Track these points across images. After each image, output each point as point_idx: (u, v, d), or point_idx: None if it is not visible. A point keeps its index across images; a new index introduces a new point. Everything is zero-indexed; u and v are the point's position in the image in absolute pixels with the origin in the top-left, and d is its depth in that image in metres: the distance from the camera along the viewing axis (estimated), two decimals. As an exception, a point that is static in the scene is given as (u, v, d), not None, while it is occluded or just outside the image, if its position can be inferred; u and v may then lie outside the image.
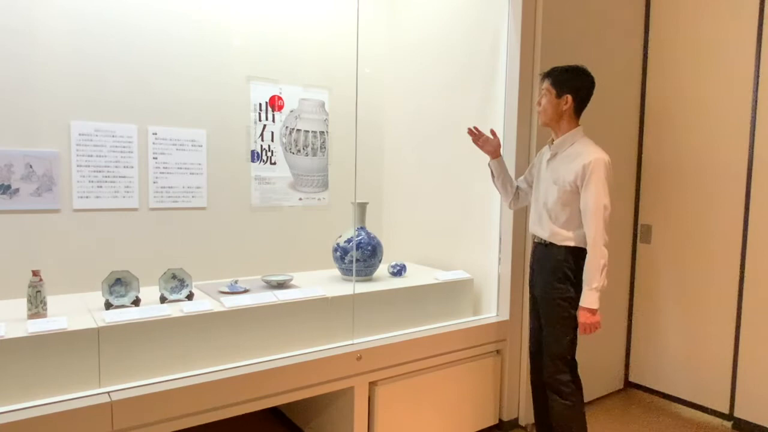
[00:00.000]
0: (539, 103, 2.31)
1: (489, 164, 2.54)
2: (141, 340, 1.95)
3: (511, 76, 2.74)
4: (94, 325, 1.88)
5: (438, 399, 2.61)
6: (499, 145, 2.49)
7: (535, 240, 2.39)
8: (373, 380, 2.39)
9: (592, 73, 2.26)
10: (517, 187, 2.56)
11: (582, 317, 2.18)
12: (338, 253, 2.76)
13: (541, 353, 2.38)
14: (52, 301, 2.15)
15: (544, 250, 2.32)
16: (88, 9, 2.57)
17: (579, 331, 2.22)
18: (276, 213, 3.23)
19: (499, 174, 2.53)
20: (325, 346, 2.34)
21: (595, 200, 2.13)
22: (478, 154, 2.60)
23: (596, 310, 2.15)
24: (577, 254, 2.22)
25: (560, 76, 2.24)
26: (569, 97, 2.23)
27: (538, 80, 2.39)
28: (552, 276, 2.27)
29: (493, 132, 2.49)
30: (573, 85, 2.23)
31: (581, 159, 2.18)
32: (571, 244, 2.23)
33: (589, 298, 2.15)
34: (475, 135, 2.48)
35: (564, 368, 2.29)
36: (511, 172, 2.69)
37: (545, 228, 2.30)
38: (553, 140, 2.33)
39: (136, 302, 2.15)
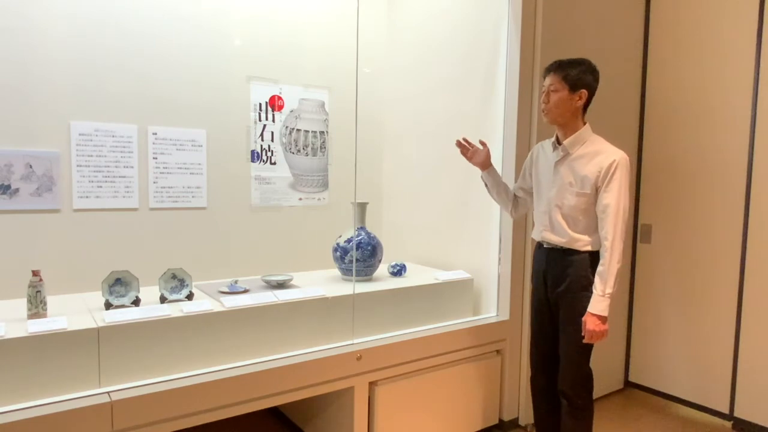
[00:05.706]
0: (546, 101, 2.15)
1: (482, 177, 2.47)
2: (141, 340, 1.95)
3: (511, 75, 2.74)
4: (94, 325, 1.88)
5: (438, 399, 2.61)
6: (489, 156, 2.39)
7: (546, 245, 2.26)
8: (373, 380, 2.39)
9: None
10: (515, 195, 2.48)
11: (591, 324, 2.05)
12: (338, 253, 2.76)
13: (556, 359, 2.28)
14: (52, 301, 2.15)
15: (560, 256, 2.20)
16: (88, 9, 2.57)
17: (585, 338, 2.08)
18: (276, 213, 3.23)
19: (493, 185, 2.44)
20: (325, 346, 2.34)
21: (617, 201, 2.05)
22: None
23: (606, 317, 2.04)
24: (596, 258, 2.12)
25: (572, 69, 2.11)
26: (584, 93, 2.12)
27: (542, 75, 2.24)
28: (577, 284, 2.15)
29: (482, 143, 2.40)
30: (586, 80, 2.12)
31: (603, 158, 2.08)
32: (591, 248, 2.13)
33: (601, 305, 2.04)
34: (464, 147, 2.41)
35: (583, 378, 2.21)
36: (513, 173, 2.69)
37: (562, 234, 2.17)
38: (558, 140, 2.20)
39: (136, 302, 2.15)
